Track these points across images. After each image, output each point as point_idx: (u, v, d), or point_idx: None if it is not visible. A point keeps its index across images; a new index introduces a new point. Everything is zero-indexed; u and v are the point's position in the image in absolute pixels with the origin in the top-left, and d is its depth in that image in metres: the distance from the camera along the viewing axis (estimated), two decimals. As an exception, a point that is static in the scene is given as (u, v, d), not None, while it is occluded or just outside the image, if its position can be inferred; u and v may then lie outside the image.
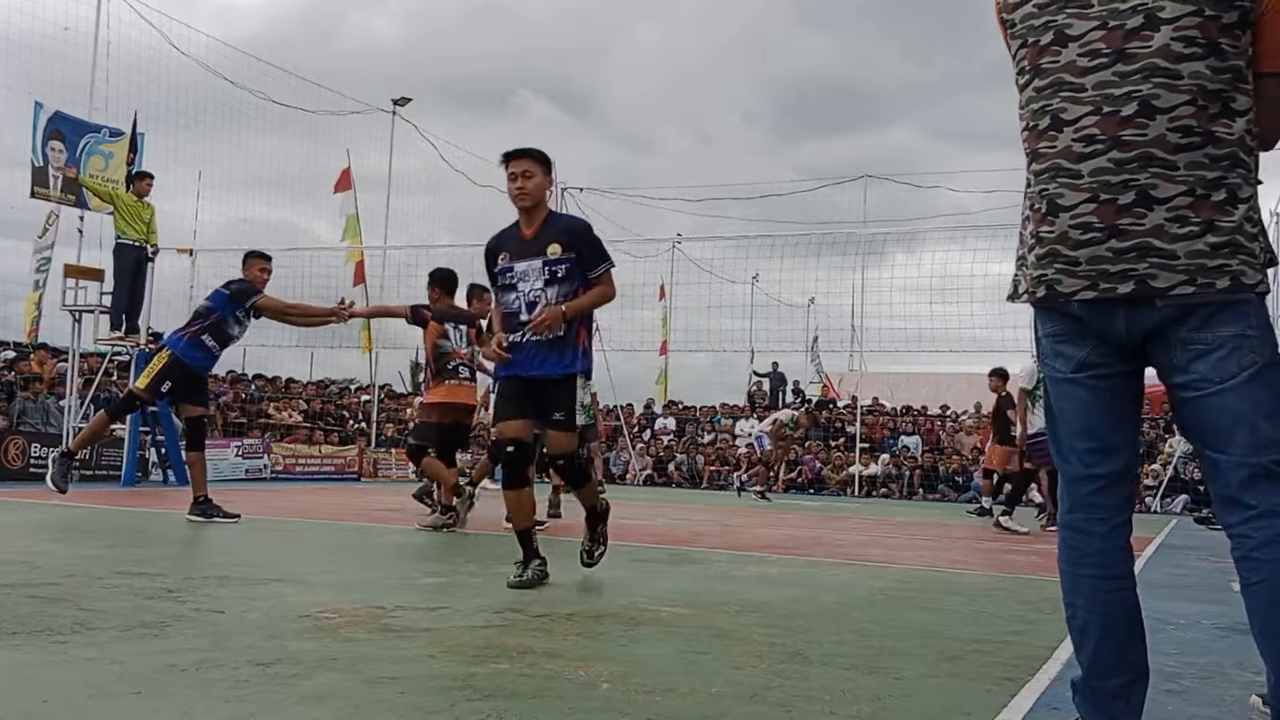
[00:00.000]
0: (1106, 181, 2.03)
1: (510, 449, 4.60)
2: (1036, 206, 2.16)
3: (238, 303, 7.37)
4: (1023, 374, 9.75)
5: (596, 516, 4.96)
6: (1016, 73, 2.22)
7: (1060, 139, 2.09)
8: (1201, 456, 2.10)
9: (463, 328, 7.67)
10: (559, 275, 4.53)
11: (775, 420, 15.61)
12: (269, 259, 7.73)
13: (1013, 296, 2.26)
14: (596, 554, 4.96)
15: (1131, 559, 2.20)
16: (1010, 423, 12.35)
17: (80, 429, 12.36)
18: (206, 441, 7.87)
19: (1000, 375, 12.87)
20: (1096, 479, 2.16)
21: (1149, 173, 2.00)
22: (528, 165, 4.55)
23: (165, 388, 7.35)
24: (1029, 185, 2.19)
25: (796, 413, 16.50)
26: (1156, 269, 1.99)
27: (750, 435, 15.77)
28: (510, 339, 4.62)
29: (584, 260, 4.58)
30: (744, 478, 15.69)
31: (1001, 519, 9.69)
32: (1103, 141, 2.04)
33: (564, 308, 4.50)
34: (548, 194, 4.75)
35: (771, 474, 16.13)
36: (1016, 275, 2.24)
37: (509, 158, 4.59)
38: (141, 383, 7.53)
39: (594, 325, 5.34)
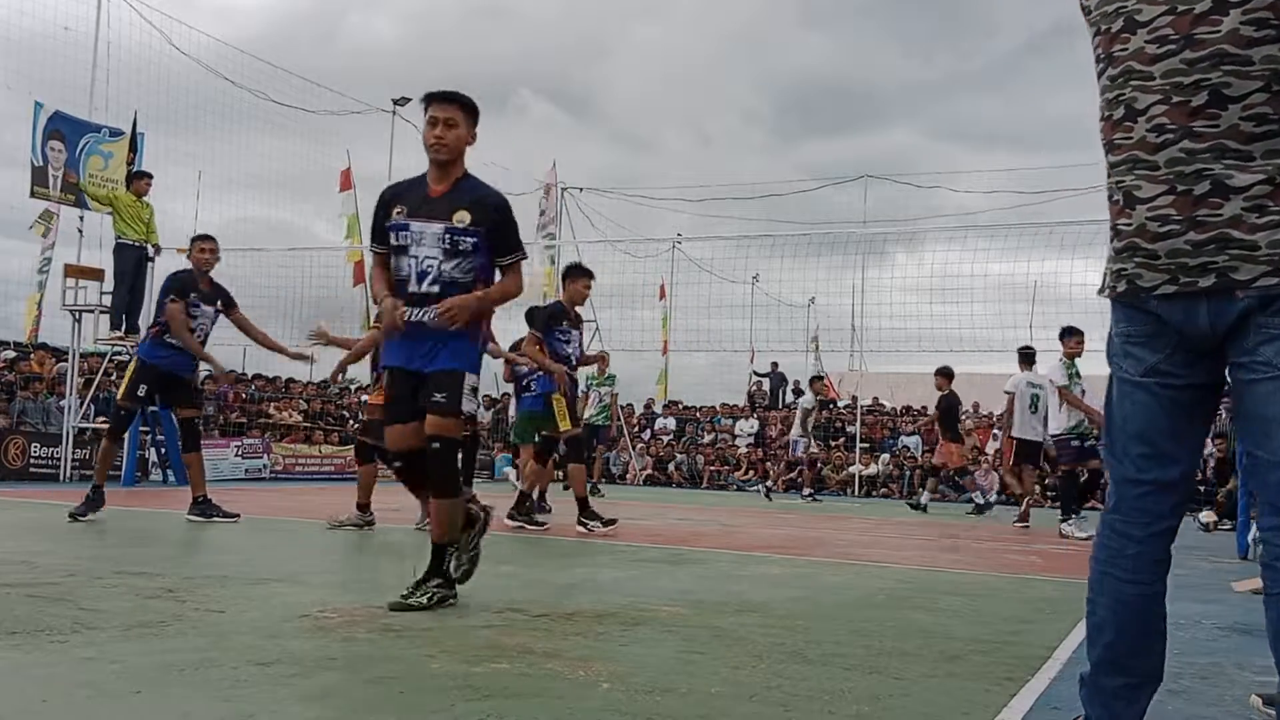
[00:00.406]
0: (1181, 172, 1.98)
1: (398, 463, 4.03)
2: (1114, 198, 2.11)
3: (164, 294, 7.32)
4: (1052, 372, 9.75)
5: (444, 568, 3.97)
6: (1094, 61, 2.17)
7: (1135, 129, 2.04)
8: (1248, 457, 2.04)
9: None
10: (460, 248, 3.88)
11: (800, 410, 15.64)
12: (210, 239, 7.55)
13: (1100, 290, 2.19)
14: (411, 600, 3.75)
15: (1165, 568, 2.15)
16: (958, 420, 12.97)
17: (80, 429, 12.42)
18: (203, 441, 7.83)
19: (945, 374, 13.58)
20: (1143, 484, 2.11)
21: (1223, 163, 1.94)
22: (453, 113, 3.93)
23: (142, 391, 7.27)
24: (1107, 176, 2.14)
25: (808, 391, 16.55)
26: (1237, 261, 1.93)
27: (791, 442, 15.83)
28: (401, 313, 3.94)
29: (495, 241, 3.95)
30: (807, 489, 15.63)
31: (1063, 526, 9.58)
32: (1173, 131, 1.99)
33: (479, 295, 3.91)
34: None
35: (797, 473, 16.15)
36: (1105, 269, 2.18)
37: (432, 99, 3.97)
38: (120, 392, 7.56)
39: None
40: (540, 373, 9.40)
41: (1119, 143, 2.09)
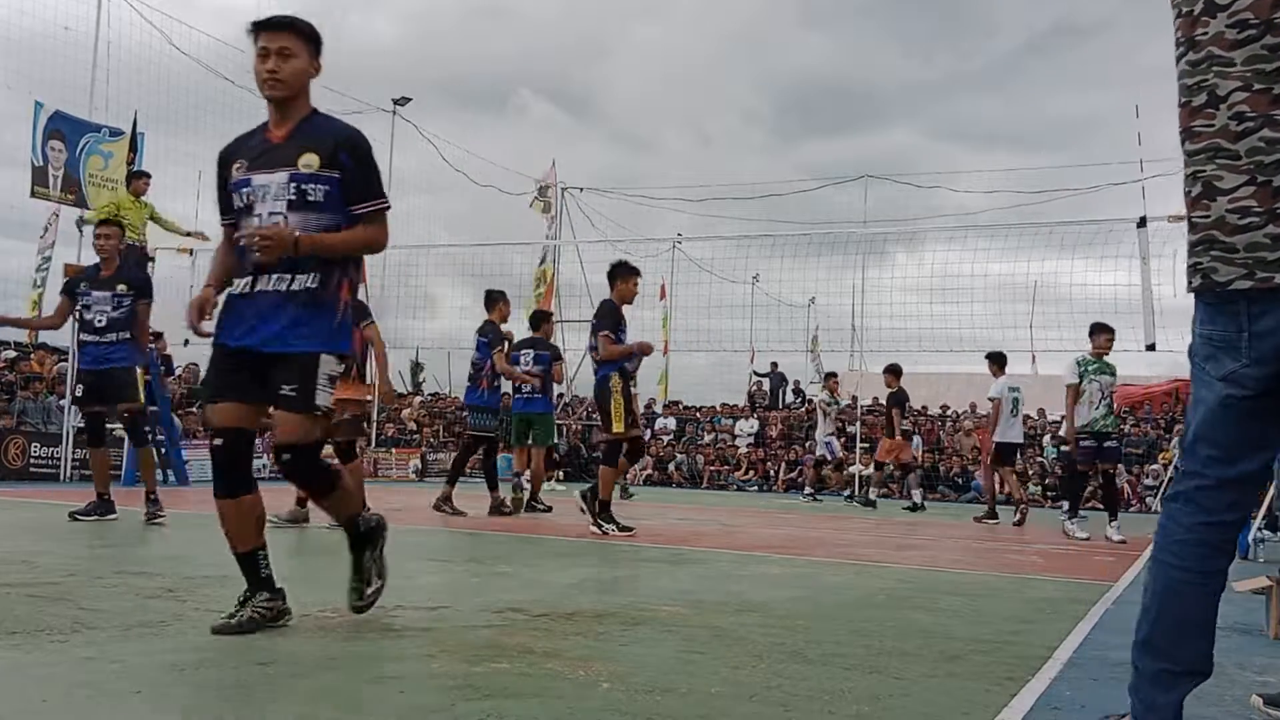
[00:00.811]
0: (1260, 162, 1.94)
1: (219, 440, 3.29)
2: (1191, 190, 2.06)
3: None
4: (1066, 372, 9.74)
5: (359, 538, 3.53)
6: (1174, 45, 2.13)
7: (1217, 117, 2.00)
8: None
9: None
10: (310, 199, 3.25)
11: (819, 404, 15.61)
12: (107, 224, 7.26)
13: (1188, 287, 2.14)
14: (368, 594, 3.51)
15: (1218, 559, 2.13)
16: (902, 417, 13.36)
17: (80, 429, 12.40)
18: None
19: (894, 372, 13.94)
20: (1205, 478, 2.10)
21: None
22: (288, 40, 3.29)
23: (79, 392, 7.21)
24: (1184, 166, 2.09)
25: (821, 390, 16.53)
26: None
27: (820, 443, 15.71)
28: (238, 286, 3.32)
29: (349, 185, 3.31)
30: (873, 493, 15.09)
31: (1066, 524, 9.61)
32: (1253, 119, 1.95)
33: (299, 233, 3.20)
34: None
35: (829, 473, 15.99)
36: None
37: (259, 28, 3.30)
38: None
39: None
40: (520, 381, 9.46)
41: (1199, 130, 2.04)
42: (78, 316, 7.18)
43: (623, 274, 7.86)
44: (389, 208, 3.43)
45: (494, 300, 9.45)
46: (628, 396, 7.78)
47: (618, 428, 7.60)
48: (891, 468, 14.37)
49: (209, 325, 3.40)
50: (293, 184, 3.26)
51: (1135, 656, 2.16)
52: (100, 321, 7.05)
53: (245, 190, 3.32)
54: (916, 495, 14.09)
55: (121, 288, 7.09)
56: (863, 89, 55.16)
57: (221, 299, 3.39)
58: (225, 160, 3.43)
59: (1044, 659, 3.27)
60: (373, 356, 7.63)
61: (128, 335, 7.12)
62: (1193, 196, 2.06)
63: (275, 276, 3.26)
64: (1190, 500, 2.12)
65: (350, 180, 3.31)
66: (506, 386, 10.38)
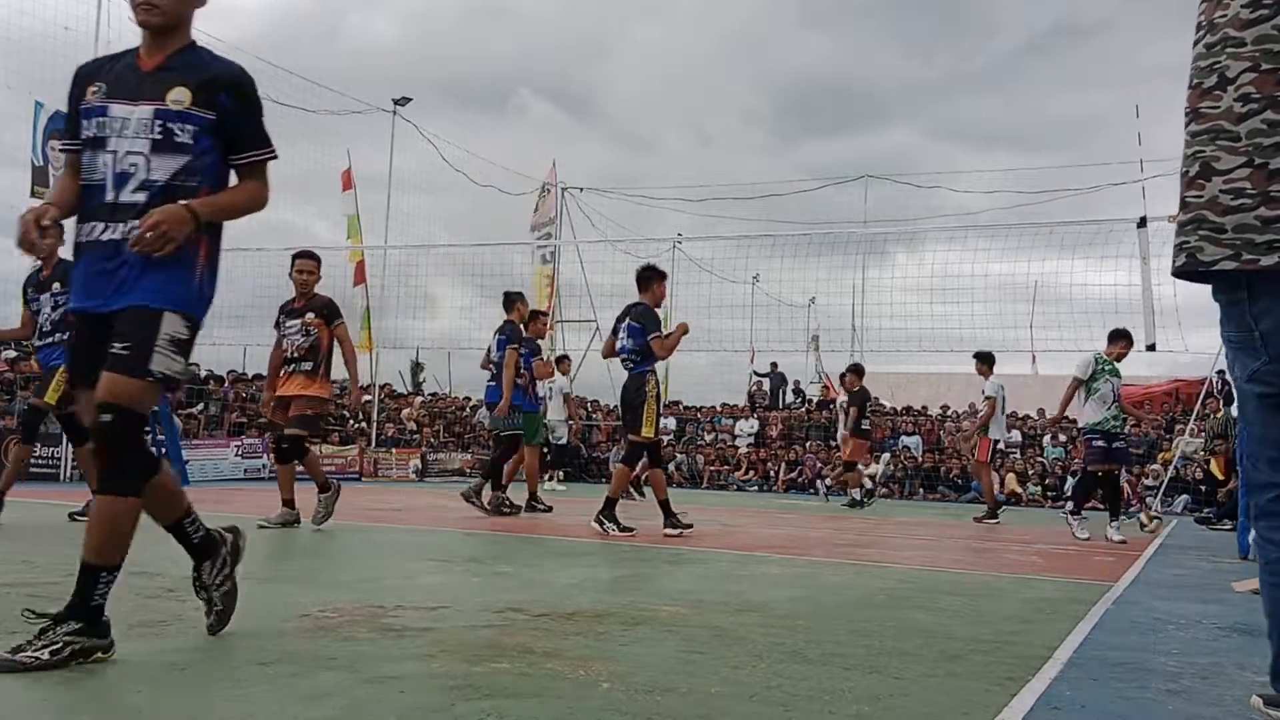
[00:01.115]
0: (1259, 144, 1.93)
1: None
2: (1186, 170, 2.06)
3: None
4: (1078, 366, 9.71)
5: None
6: (1195, 29, 2.13)
7: (1224, 98, 1.99)
8: None
9: (295, 323, 7.58)
10: (177, 140, 2.82)
11: (840, 408, 15.67)
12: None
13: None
14: (51, 651, 2.59)
15: None
16: (861, 416, 13.79)
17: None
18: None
19: (857, 372, 14.24)
20: (1276, 487, 2.08)
21: None
22: None
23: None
24: (1186, 146, 2.08)
25: (820, 390, 16.57)
26: None
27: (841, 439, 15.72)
28: (83, 234, 2.86)
29: (231, 130, 2.91)
30: (856, 493, 14.58)
31: (1071, 520, 9.60)
32: (1257, 101, 1.94)
33: (191, 205, 2.80)
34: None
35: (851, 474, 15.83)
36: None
37: None
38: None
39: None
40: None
41: (1205, 111, 2.04)
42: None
43: (657, 278, 8.02)
44: (275, 157, 3.01)
45: (512, 301, 9.62)
46: (659, 400, 7.83)
47: (647, 431, 7.67)
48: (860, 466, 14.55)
49: (47, 244, 2.90)
50: (158, 121, 2.82)
51: (1273, 682, 2.13)
52: (47, 326, 6.97)
53: (98, 119, 2.86)
54: (856, 493, 14.23)
55: (57, 286, 6.92)
56: (863, 89, 55.29)
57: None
58: (82, 79, 2.95)
59: (1044, 659, 3.27)
60: (342, 358, 7.64)
61: (65, 336, 6.91)
62: (1189, 177, 2.05)
63: (125, 225, 2.79)
64: (1274, 514, 2.08)
65: (232, 125, 2.91)
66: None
